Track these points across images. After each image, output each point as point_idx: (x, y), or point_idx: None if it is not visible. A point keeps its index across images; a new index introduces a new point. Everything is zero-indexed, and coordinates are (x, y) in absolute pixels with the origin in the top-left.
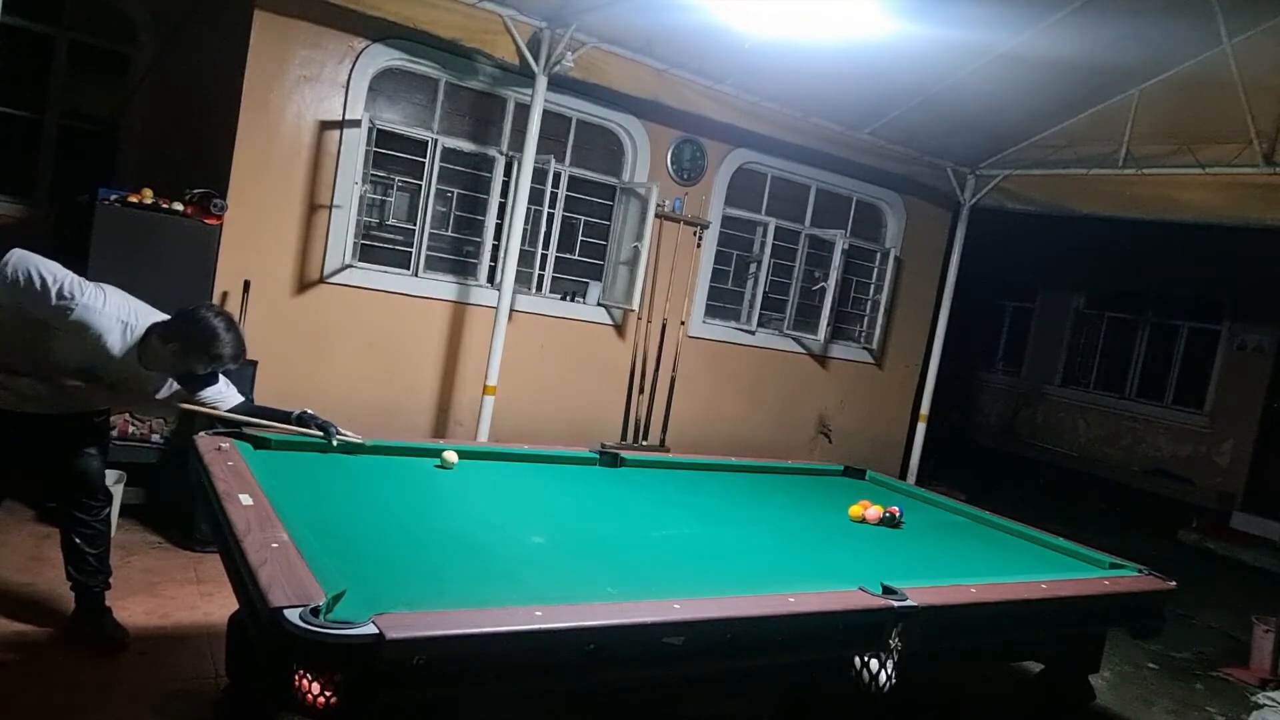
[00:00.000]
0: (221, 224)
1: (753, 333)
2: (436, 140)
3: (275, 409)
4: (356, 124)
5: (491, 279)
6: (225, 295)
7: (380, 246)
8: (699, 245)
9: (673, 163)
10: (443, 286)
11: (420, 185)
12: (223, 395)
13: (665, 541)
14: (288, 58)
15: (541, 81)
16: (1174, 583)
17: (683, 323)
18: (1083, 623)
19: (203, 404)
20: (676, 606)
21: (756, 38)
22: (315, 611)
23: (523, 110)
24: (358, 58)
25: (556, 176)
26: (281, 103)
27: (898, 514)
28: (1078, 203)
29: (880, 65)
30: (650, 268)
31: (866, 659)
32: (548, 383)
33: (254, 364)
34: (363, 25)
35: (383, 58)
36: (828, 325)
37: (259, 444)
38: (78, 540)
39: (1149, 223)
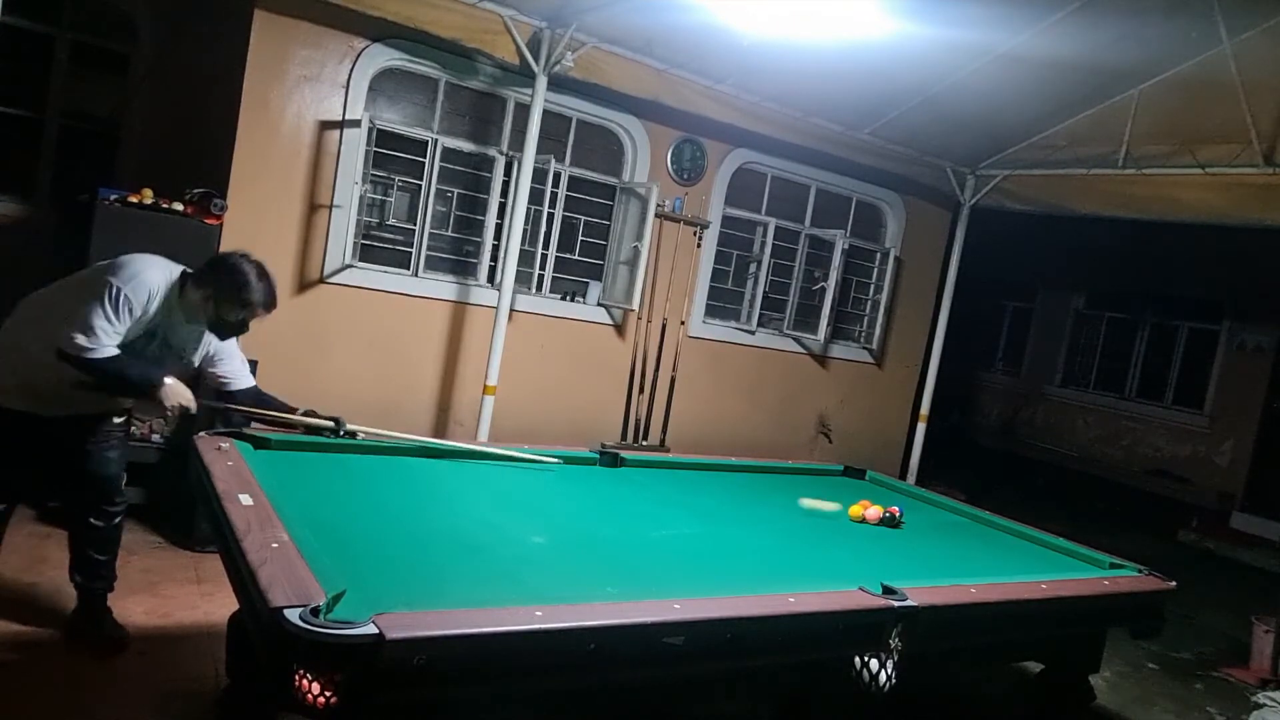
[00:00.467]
0: (222, 224)
1: (753, 333)
2: (436, 140)
3: (281, 400)
4: (356, 124)
5: (491, 279)
6: None
7: (380, 246)
8: (699, 245)
9: (673, 163)
10: (443, 286)
11: (420, 185)
12: (238, 372)
13: (665, 541)
14: (288, 57)
15: (541, 81)
16: (1174, 583)
17: (683, 323)
18: (1083, 623)
19: (219, 376)
20: (676, 606)
21: (756, 37)
22: (315, 611)
23: (523, 110)
24: (358, 58)
25: (556, 176)
26: (282, 102)
27: (898, 514)
28: (1078, 203)
29: (880, 65)
30: (650, 268)
31: (866, 659)
32: (548, 383)
33: (254, 363)
34: (363, 25)
35: (383, 58)
36: (828, 325)
37: (259, 444)
38: (88, 547)
39: (1149, 223)
